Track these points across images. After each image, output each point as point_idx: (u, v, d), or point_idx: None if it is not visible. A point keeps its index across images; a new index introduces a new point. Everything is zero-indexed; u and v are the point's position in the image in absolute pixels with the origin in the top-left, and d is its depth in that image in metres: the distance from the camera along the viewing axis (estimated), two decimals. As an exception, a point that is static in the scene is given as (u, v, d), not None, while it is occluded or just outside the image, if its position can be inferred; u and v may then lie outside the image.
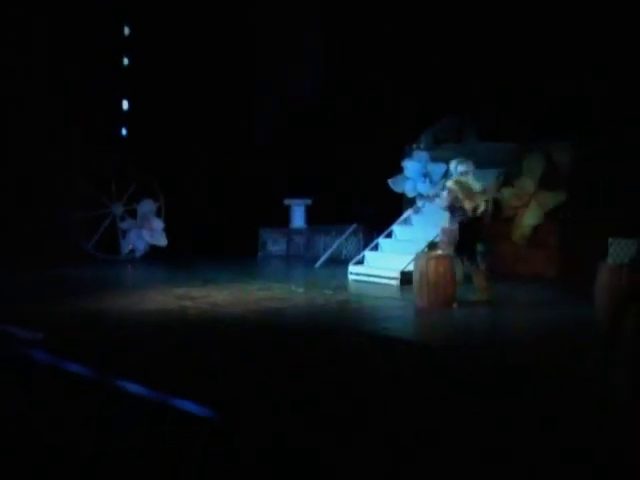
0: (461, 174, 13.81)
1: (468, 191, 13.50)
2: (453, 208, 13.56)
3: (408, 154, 18.73)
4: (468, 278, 13.75)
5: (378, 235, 17.46)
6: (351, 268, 16.45)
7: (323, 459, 5.76)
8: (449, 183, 13.76)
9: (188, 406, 6.86)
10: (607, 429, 6.18)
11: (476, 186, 13.69)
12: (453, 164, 14.05)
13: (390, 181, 17.88)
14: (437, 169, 17.95)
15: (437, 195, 16.34)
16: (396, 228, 17.41)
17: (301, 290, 14.52)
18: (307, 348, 9.62)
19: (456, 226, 13.54)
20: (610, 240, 14.19)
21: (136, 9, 20.65)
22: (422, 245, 15.36)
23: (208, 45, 21.09)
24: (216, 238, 20.43)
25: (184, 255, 19.47)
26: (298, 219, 21.52)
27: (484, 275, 13.47)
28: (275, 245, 21.41)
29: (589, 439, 6.07)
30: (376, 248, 17.14)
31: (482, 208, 13.49)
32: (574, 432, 6.25)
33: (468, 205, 13.37)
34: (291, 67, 22.86)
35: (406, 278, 14.65)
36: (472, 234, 13.50)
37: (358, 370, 8.55)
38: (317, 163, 21.25)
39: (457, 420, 6.64)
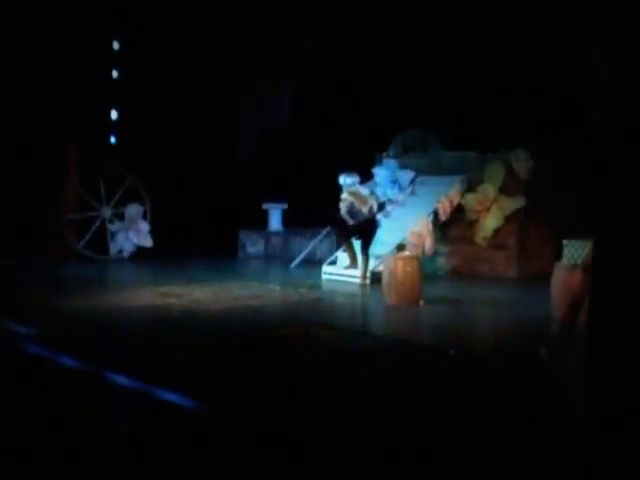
0: (350, 185, 15.53)
1: (361, 198, 15.34)
2: (352, 213, 15.29)
3: (378, 161, 18.82)
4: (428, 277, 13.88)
5: (350, 237, 17.49)
6: (325, 268, 16.48)
7: (305, 456, 5.77)
8: (343, 195, 15.45)
9: (172, 397, 6.87)
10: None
11: (365, 192, 15.61)
12: (342, 178, 15.66)
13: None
14: (405, 176, 18.06)
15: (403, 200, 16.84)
16: (367, 231, 17.45)
17: (277, 288, 14.54)
18: (283, 343, 9.63)
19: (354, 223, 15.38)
20: (564, 242, 14.24)
21: (126, 24, 20.47)
22: (391, 247, 15.53)
23: (191, 55, 20.95)
24: (198, 240, 20.40)
25: (169, 255, 19.42)
26: (275, 222, 21.52)
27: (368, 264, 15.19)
28: (253, 246, 21.40)
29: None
30: (348, 249, 17.16)
31: (375, 207, 15.46)
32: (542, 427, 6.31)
33: (364, 208, 15.24)
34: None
35: (376, 278, 14.71)
36: (369, 230, 15.26)
37: (332, 363, 8.58)
38: (294, 169, 21.25)
39: (432, 413, 6.68)
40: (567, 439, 5.67)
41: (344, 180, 15.60)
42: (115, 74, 20.58)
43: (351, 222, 15.28)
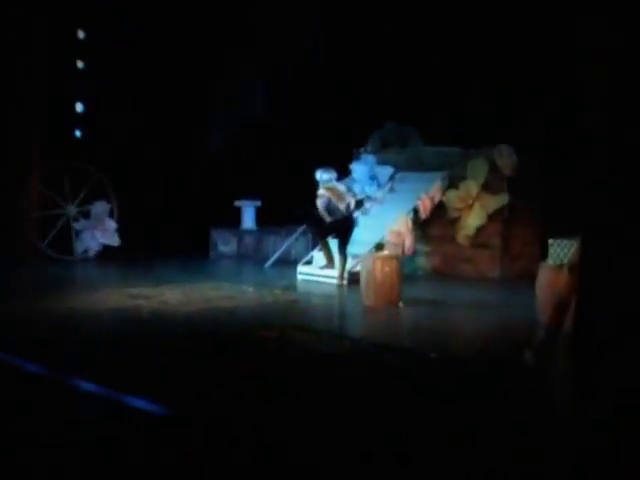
0: (327, 181, 15.59)
1: (338, 194, 15.39)
2: (329, 210, 15.32)
3: (356, 157, 18.83)
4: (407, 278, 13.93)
5: (327, 236, 17.49)
6: (300, 268, 16.47)
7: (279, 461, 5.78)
8: (320, 191, 15.46)
9: (141, 404, 6.85)
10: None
11: (342, 188, 15.71)
12: (318, 174, 15.69)
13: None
14: (384, 172, 18.08)
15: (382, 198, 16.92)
16: (344, 229, 17.46)
17: (251, 289, 14.51)
18: (257, 346, 9.62)
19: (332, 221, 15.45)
20: (550, 241, 14.29)
21: (91, 10, 20.35)
22: (369, 246, 15.53)
23: (160, 45, 20.86)
24: (168, 238, 20.33)
25: (137, 255, 19.36)
26: (248, 220, 21.49)
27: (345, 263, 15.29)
28: (226, 245, 21.35)
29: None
30: (324, 249, 17.17)
31: (352, 204, 15.59)
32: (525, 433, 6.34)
33: (342, 205, 15.28)
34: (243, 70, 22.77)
35: (353, 278, 14.72)
36: (346, 228, 15.32)
37: (307, 366, 8.58)
38: (267, 164, 21.22)
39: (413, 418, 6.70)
40: (553, 443, 5.70)
41: (320, 176, 15.60)
42: (80, 64, 20.48)
43: (328, 219, 15.28)
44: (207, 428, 6.36)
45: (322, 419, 6.58)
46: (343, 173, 17.59)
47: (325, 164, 15.86)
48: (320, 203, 15.35)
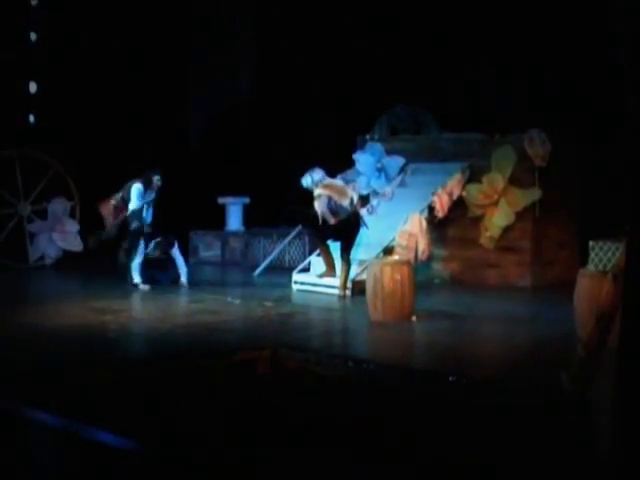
0: (320, 181, 15.55)
1: (338, 190, 15.43)
2: (333, 210, 15.24)
3: (360, 146, 18.76)
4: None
5: (326, 238, 17.47)
6: (295, 276, 16.44)
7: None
8: (317, 192, 15.40)
9: (105, 437, 6.78)
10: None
11: (340, 183, 15.87)
12: (306, 179, 15.68)
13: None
14: (393, 163, 18.01)
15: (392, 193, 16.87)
16: (347, 231, 17.45)
17: (237, 302, 14.49)
18: (243, 370, 9.58)
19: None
20: (591, 243, 14.28)
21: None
22: (377, 250, 15.49)
23: (127, 10, 20.82)
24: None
25: (103, 262, 19.29)
26: (234, 220, 21.46)
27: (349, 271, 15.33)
28: (208, 250, 21.32)
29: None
30: (324, 253, 17.15)
31: (356, 199, 15.51)
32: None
33: (345, 202, 15.25)
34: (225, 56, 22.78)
35: (358, 287, 14.69)
36: (352, 228, 15.40)
37: (303, 393, 8.54)
38: (256, 155, 21.19)
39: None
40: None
41: (311, 178, 15.48)
42: (33, 36, 20.42)
43: (332, 221, 15.16)
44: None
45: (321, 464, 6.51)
46: (345, 164, 17.54)
47: (309, 167, 15.80)
48: (320, 205, 15.19)
